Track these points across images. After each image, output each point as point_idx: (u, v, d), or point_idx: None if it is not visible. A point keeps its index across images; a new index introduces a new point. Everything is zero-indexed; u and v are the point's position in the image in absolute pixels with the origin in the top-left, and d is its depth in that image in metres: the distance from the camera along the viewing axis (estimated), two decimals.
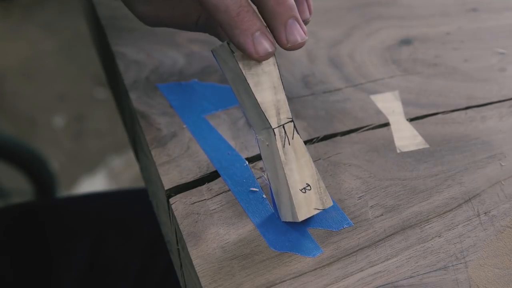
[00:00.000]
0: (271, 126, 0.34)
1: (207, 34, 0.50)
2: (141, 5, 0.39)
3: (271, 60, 0.34)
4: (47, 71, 1.74)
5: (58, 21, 1.89)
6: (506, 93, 0.48)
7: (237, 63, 0.33)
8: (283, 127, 0.35)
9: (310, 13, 0.36)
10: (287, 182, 0.35)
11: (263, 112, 0.34)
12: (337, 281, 0.34)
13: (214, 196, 0.38)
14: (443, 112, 0.46)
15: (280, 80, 0.34)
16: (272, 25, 0.33)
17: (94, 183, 1.45)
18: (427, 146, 0.43)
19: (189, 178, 0.39)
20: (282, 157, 0.34)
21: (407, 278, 0.35)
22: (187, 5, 0.38)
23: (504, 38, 0.53)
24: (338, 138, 0.43)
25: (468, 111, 0.46)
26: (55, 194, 1.11)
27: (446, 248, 0.36)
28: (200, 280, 0.34)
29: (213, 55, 0.35)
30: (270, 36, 0.33)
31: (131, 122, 0.48)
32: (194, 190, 0.39)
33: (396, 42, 0.52)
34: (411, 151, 0.42)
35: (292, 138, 0.35)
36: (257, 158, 0.41)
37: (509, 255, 0.37)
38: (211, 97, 0.45)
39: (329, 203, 0.36)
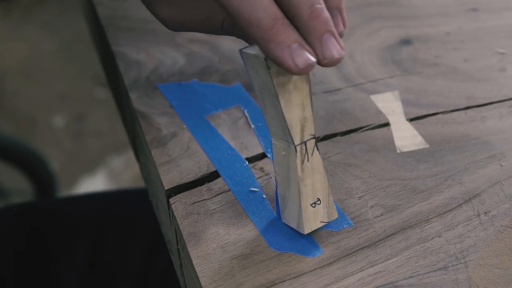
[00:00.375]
0: (293, 143, 0.33)
1: (206, 34, 0.50)
2: (163, 8, 0.37)
3: (304, 76, 0.32)
4: (47, 71, 1.74)
5: (58, 21, 1.89)
6: (506, 93, 0.48)
7: (272, 80, 0.31)
8: (305, 143, 0.34)
9: (344, 26, 0.34)
10: (299, 196, 0.34)
11: (288, 129, 0.33)
12: (337, 281, 0.34)
13: (214, 196, 0.38)
14: (443, 112, 0.46)
15: (310, 97, 0.33)
16: (307, 41, 0.31)
17: (94, 183, 1.45)
18: (427, 146, 0.43)
19: (189, 178, 0.39)
20: (300, 173, 0.34)
21: (407, 278, 0.35)
22: (211, 6, 0.37)
23: (504, 38, 0.53)
24: (338, 138, 0.43)
25: (468, 111, 0.46)
26: (55, 194, 1.11)
27: (446, 248, 0.36)
28: (200, 280, 0.34)
29: (242, 56, 0.33)
30: (309, 47, 0.31)
31: (131, 122, 0.48)
32: (194, 190, 0.39)
33: (396, 42, 0.52)
34: (411, 151, 0.42)
35: (312, 155, 0.34)
36: (257, 158, 0.41)
37: (509, 255, 0.37)
38: (211, 97, 0.45)
39: (334, 216, 0.36)
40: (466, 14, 0.56)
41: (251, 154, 0.41)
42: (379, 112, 0.45)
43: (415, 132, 0.44)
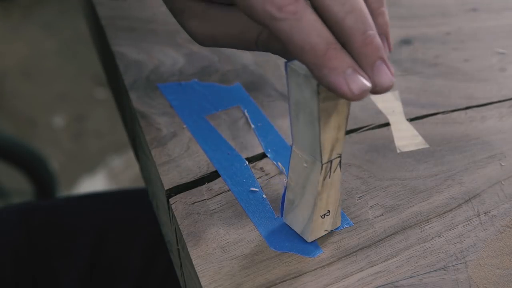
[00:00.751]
0: (321, 161, 0.33)
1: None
2: (194, 21, 0.36)
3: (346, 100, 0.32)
4: (47, 71, 1.74)
5: (58, 21, 1.89)
6: (506, 93, 0.48)
7: (318, 105, 0.30)
8: (331, 162, 0.33)
9: (389, 50, 0.33)
10: (313, 208, 0.34)
11: (320, 148, 0.32)
12: (337, 281, 0.34)
13: (214, 196, 0.38)
14: (443, 112, 0.46)
15: (346, 119, 0.33)
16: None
17: (94, 183, 1.45)
18: (427, 146, 0.43)
19: (189, 178, 0.39)
20: (319, 189, 0.34)
21: (407, 278, 0.35)
22: (245, 21, 0.35)
23: (504, 38, 0.53)
24: None
25: (468, 111, 0.46)
26: (55, 194, 1.11)
27: (446, 248, 0.36)
28: (200, 280, 0.34)
29: (285, 68, 0.32)
30: (363, 72, 0.30)
31: (131, 122, 0.48)
32: (194, 190, 0.39)
33: (396, 42, 0.52)
34: (411, 151, 0.42)
35: (334, 172, 0.34)
36: (257, 158, 0.41)
37: (509, 255, 0.37)
38: (211, 97, 0.45)
39: (338, 224, 0.37)
40: (466, 14, 0.56)
41: (251, 154, 0.41)
42: (379, 112, 0.45)
43: (415, 132, 0.44)
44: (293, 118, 0.33)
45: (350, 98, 0.29)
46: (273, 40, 0.36)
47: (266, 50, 0.37)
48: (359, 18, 0.29)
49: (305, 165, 0.34)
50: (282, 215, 0.37)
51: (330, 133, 0.32)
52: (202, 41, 0.37)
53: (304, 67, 0.30)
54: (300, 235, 0.36)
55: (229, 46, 0.37)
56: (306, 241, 0.36)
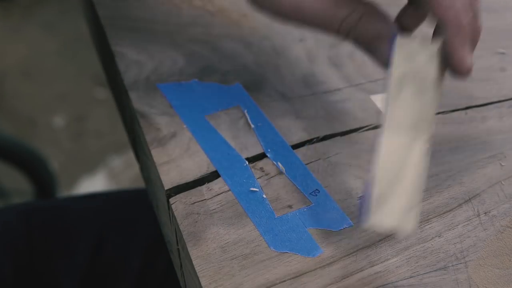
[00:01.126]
0: (426, 134, 0.32)
1: (206, 34, 0.50)
2: None
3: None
4: (47, 71, 1.74)
5: (58, 21, 1.89)
6: (506, 93, 0.48)
7: (435, 68, 0.33)
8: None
9: None
10: (418, 189, 0.32)
11: (428, 119, 0.32)
12: (337, 281, 0.34)
13: (214, 196, 0.38)
14: (443, 112, 0.46)
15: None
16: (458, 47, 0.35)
17: (94, 183, 1.45)
18: (427, 146, 0.43)
19: (189, 178, 0.39)
20: (420, 170, 0.32)
21: (407, 278, 0.35)
22: None
23: (504, 38, 0.53)
24: (338, 138, 0.43)
25: (468, 111, 0.46)
26: (55, 194, 1.11)
27: (446, 248, 0.36)
28: (200, 280, 0.34)
29: (393, 43, 0.32)
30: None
31: (131, 122, 0.48)
32: (194, 190, 0.39)
33: None
34: None
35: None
36: (257, 158, 0.41)
37: (509, 255, 0.37)
38: (211, 97, 0.45)
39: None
40: None
41: (251, 154, 0.41)
42: (379, 112, 0.45)
43: None
44: (392, 99, 0.32)
45: (464, 73, 0.34)
46: (362, 23, 0.35)
47: (347, 35, 0.35)
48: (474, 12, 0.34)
49: (402, 148, 0.32)
50: (363, 221, 0.32)
51: (435, 105, 0.33)
52: (286, 12, 0.35)
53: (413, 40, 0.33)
54: (396, 228, 0.31)
55: (311, 22, 0.35)
56: (307, 241, 0.36)
